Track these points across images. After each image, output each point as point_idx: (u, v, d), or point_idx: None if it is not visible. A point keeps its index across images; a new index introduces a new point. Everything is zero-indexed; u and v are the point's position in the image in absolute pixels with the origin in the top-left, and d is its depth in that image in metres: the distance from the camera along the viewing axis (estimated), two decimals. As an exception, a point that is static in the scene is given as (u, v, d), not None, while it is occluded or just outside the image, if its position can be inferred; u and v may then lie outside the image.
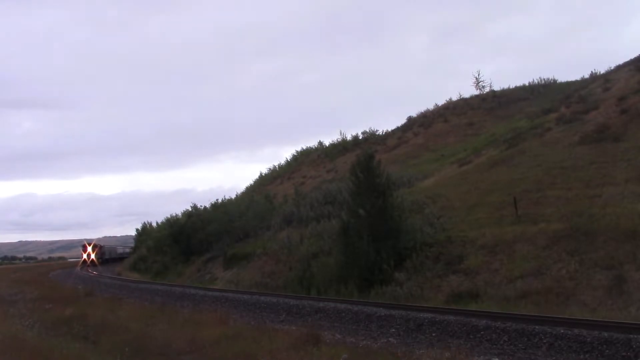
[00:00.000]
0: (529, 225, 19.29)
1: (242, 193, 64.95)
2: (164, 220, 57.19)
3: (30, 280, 36.60)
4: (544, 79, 58.31)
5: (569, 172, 22.74)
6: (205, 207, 48.81)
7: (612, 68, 40.43)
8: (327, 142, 68.45)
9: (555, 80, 57.61)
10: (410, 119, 61.76)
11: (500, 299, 15.70)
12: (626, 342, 9.78)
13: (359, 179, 22.12)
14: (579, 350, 10.02)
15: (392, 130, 60.51)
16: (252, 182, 73.64)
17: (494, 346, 11.00)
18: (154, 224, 64.01)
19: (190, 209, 49.58)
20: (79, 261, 66.32)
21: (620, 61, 39.96)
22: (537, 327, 11.37)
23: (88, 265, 56.46)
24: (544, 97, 49.51)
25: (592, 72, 48.23)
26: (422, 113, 61.35)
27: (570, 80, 54.72)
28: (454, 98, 61.32)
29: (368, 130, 63.42)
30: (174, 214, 54.64)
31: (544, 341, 10.66)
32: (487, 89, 60.47)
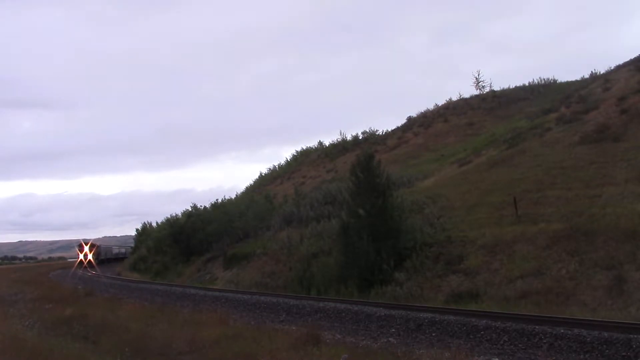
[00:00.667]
0: (529, 225, 19.29)
1: (242, 193, 64.96)
2: (164, 220, 57.11)
3: (30, 280, 36.58)
4: (544, 79, 58.49)
5: (569, 172, 22.74)
6: (205, 207, 48.84)
7: (612, 68, 40.49)
8: (327, 142, 68.66)
9: (555, 80, 57.72)
10: (410, 119, 61.84)
11: (500, 299, 15.70)
12: (626, 342, 9.78)
13: (359, 179, 22.12)
14: (579, 350, 10.01)
15: (392, 130, 60.56)
16: (252, 182, 73.78)
17: (494, 346, 11.00)
18: (154, 224, 63.89)
19: (190, 209, 49.55)
20: (75, 262, 60.78)
21: (620, 61, 40.05)
22: (537, 327, 11.37)
23: (85, 267, 52.78)
24: (544, 97, 49.56)
25: (592, 72, 48.35)
26: (422, 113, 61.46)
27: (570, 80, 54.85)
28: (454, 98, 61.52)
29: (368, 130, 63.62)
30: (174, 214, 54.59)
31: (544, 341, 10.66)
32: (487, 89, 60.65)
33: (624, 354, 9.52)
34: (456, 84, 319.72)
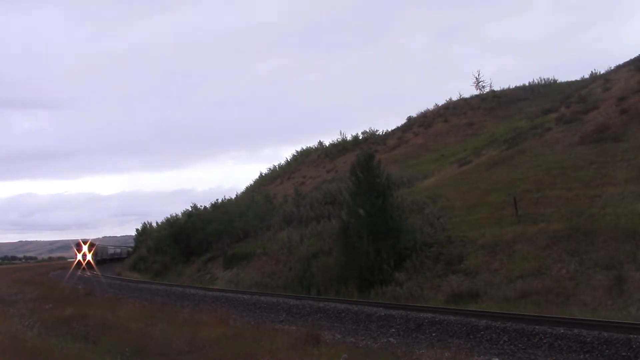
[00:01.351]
0: (529, 225, 19.30)
1: (242, 193, 65.00)
2: (164, 220, 57.14)
3: (30, 280, 36.55)
4: (544, 79, 58.51)
5: (569, 172, 22.74)
6: (205, 207, 48.85)
7: (612, 68, 40.51)
8: (327, 142, 68.70)
9: (555, 80, 57.74)
10: (410, 119, 61.87)
11: (500, 299, 15.71)
12: (626, 342, 9.78)
13: (359, 179, 22.12)
14: (579, 350, 10.01)
15: (392, 130, 60.59)
16: (252, 182, 73.85)
17: (494, 346, 11.00)
18: (154, 224, 63.91)
19: (190, 209, 49.59)
20: (72, 262, 55.25)
21: (620, 61, 40.06)
22: (537, 327, 11.36)
23: (83, 268, 48.19)
24: (544, 97, 49.57)
25: (592, 72, 48.36)
26: (422, 113, 61.48)
27: (570, 80, 54.87)
28: (454, 98, 61.55)
29: (368, 130, 63.61)
30: (174, 214, 54.60)
31: (544, 341, 10.65)
32: (487, 89, 60.69)
33: (624, 354, 9.52)
34: (456, 84, 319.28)
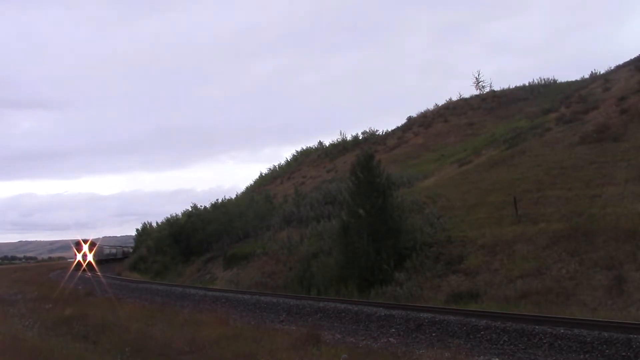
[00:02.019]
0: (529, 225, 19.29)
1: (242, 193, 65.02)
2: (164, 220, 57.11)
3: (30, 280, 36.56)
4: (544, 79, 58.53)
5: (569, 172, 22.75)
6: (205, 207, 48.81)
7: (612, 68, 40.60)
8: (327, 142, 68.80)
9: (555, 80, 57.76)
10: (410, 119, 61.92)
11: (500, 299, 15.70)
12: (626, 342, 9.78)
13: (359, 179, 22.12)
14: (579, 350, 10.01)
15: (392, 130, 60.62)
16: (252, 182, 73.88)
17: (494, 346, 11.00)
18: (154, 224, 63.87)
19: (190, 209, 49.57)
20: (72, 262, 51.71)
21: (620, 61, 40.10)
22: (537, 327, 11.36)
23: (84, 269, 44.59)
24: (544, 97, 49.58)
25: (592, 72, 48.45)
26: (422, 113, 61.53)
27: (570, 80, 54.91)
28: (454, 98, 61.64)
29: (368, 130, 63.72)
30: (174, 214, 54.60)
31: (544, 341, 10.65)
32: (487, 89, 60.76)
33: (624, 354, 9.52)
34: (456, 84, 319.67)
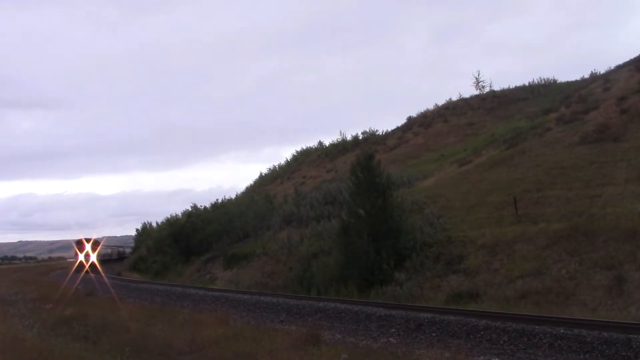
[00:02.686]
0: (529, 225, 19.30)
1: (242, 193, 65.00)
2: (164, 220, 57.09)
3: (30, 280, 36.57)
4: (544, 79, 58.60)
5: (569, 172, 22.75)
6: (205, 207, 48.82)
7: (612, 68, 40.57)
8: (327, 142, 68.79)
9: (555, 80, 57.80)
10: (410, 119, 61.93)
11: (500, 299, 15.70)
12: (626, 342, 9.77)
13: (359, 179, 22.12)
14: (579, 350, 10.01)
15: (392, 130, 60.62)
16: (252, 182, 73.85)
17: (494, 346, 10.99)
18: (154, 224, 63.83)
19: (190, 209, 49.59)
20: (73, 262, 48.59)
21: (620, 61, 40.09)
22: (537, 327, 11.36)
23: (87, 271, 41.47)
24: (544, 97, 49.59)
25: (592, 72, 48.46)
26: (422, 113, 61.54)
27: (570, 80, 54.94)
28: (454, 98, 61.67)
29: (368, 130, 63.68)
30: (174, 214, 54.58)
31: (544, 341, 10.65)
32: (487, 89, 60.80)
33: (624, 354, 9.52)
34: (456, 84, 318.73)
